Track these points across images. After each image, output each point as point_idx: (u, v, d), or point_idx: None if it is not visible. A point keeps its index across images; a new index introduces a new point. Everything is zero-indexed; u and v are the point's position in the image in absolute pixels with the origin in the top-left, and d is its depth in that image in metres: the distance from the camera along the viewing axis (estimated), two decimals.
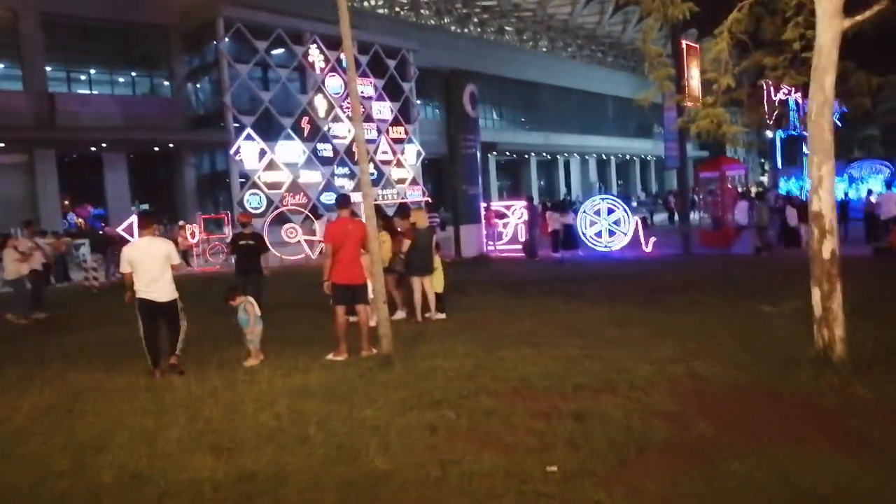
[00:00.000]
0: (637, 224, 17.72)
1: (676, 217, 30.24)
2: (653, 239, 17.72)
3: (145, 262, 6.65)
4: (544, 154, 56.79)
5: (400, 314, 9.11)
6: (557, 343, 6.96)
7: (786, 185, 29.15)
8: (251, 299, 7.12)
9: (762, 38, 7.11)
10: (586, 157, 62.09)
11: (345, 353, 6.80)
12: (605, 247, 18.02)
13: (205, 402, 5.37)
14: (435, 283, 9.10)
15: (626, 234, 17.88)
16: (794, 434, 4.19)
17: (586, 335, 7.34)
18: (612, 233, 18.06)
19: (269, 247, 9.74)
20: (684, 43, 16.77)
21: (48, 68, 30.83)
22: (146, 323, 6.73)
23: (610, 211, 18.08)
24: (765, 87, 20.09)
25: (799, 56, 6.46)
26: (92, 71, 33.29)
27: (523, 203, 18.99)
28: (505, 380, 5.56)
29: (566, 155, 59.43)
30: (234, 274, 11.16)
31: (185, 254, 19.90)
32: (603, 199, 18.38)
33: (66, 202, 33.77)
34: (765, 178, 60.50)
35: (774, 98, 24.12)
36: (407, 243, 8.73)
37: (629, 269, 13.75)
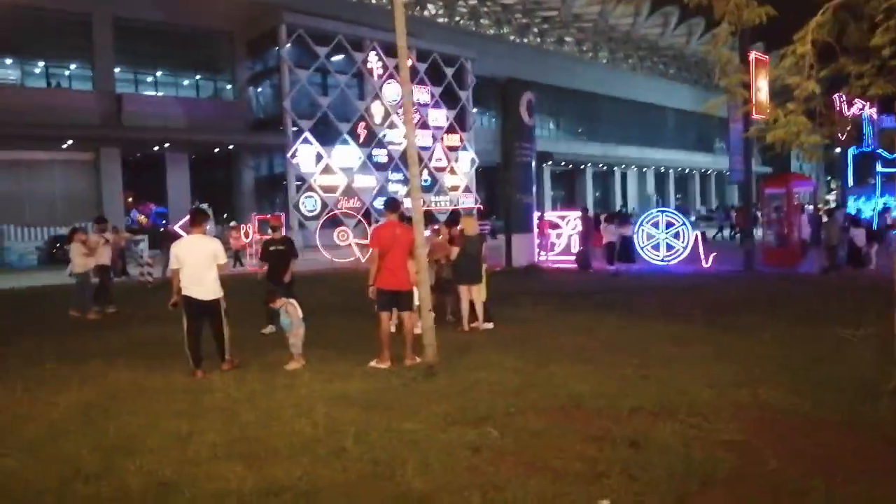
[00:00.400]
0: (697, 238, 17.07)
1: (732, 233, 29.28)
2: (713, 254, 17.03)
3: (192, 260, 6.62)
4: (601, 165, 55.95)
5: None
6: (611, 360, 6.59)
7: (854, 205, 27.75)
8: (293, 302, 6.99)
9: (846, 45, 6.61)
10: (644, 169, 60.94)
11: (388, 361, 6.58)
12: (663, 260, 17.43)
13: (242, 406, 5.23)
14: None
15: (684, 248, 17.26)
16: (871, 472, 3.76)
17: (642, 353, 6.94)
18: (669, 247, 17.47)
19: (298, 253, 9.38)
20: (753, 54, 16.07)
21: (117, 69, 31.93)
22: (189, 321, 6.69)
23: (669, 225, 17.48)
24: (837, 102, 19.14)
25: (887, 64, 5.95)
26: (158, 73, 34.38)
27: (578, 213, 18.53)
28: (554, 397, 5.24)
29: (623, 167, 58.45)
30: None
31: (238, 254, 20.16)
32: (662, 212, 17.78)
33: (130, 199, 34.84)
34: (831, 197, 58.14)
35: (847, 113, 23.00)
36: (455, 250, 8.47)
37: (687, 284, 13.18)
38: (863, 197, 30.88)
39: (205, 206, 34.21)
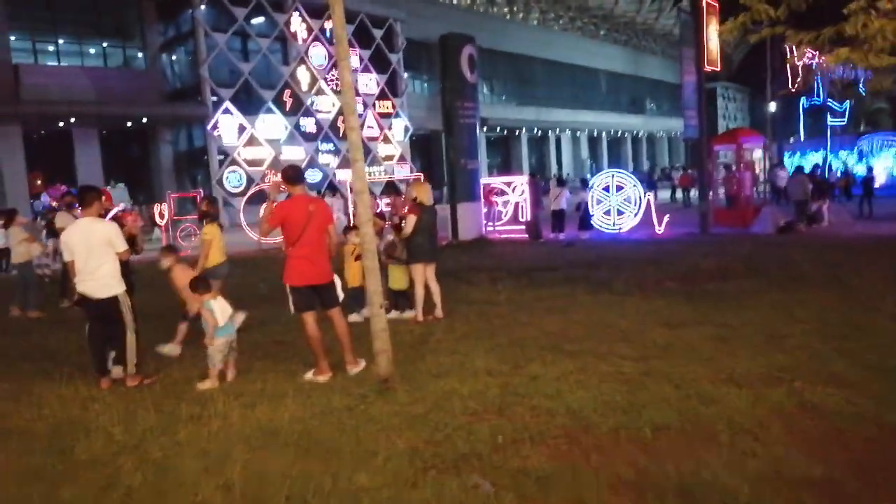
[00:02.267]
0: (649, 202, 16.25)
1: (679, 195, 28.83)
2: (666, 217, 16.27)
3: (82, 248, 5.24)
4: (535, 130, 55.17)
5: (409, 313, 7.55)
6: (599, 351, 5.47)
7: (791, 161, 27.56)
8: (221, 300, 5.55)
9: None
10: (578, 133, 60.56)
11: (327, 371, 5.24)
12: (615, 227, 16.57)
13: (127, 458, 3.80)
14: (397, 278, 7.60)
15: (636, 213, 16.43)
16: None
17: (631, 338, 5.85)
18: (620, 212, 16.61)
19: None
20: (704, 0, 15.15)
21: (12, 38, 28.78)
22: (89, 321, 5.48)
23: (619, 188, 16.60)
24: (788, 51, 18.58)
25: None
26: (60, 41, 31.23)
27: (524, 179, 17.43)
28: (549, 414, 4.05)
29: (557, 131, 57.87)
30: None
31: (134, 240, 18.08)
32: (612, 175, 16.86)
33: (38, 182, 31.89)
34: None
35: (798, 63, 22.59)
36: (411, 222, 7.03)
37: (649, 252, 12.24)
38: (797, 153, 30.96)
39: (120, 185, 32.09)
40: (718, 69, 16.91)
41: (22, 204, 27.67)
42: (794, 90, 23.40)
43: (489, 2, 56.80)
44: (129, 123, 32.10)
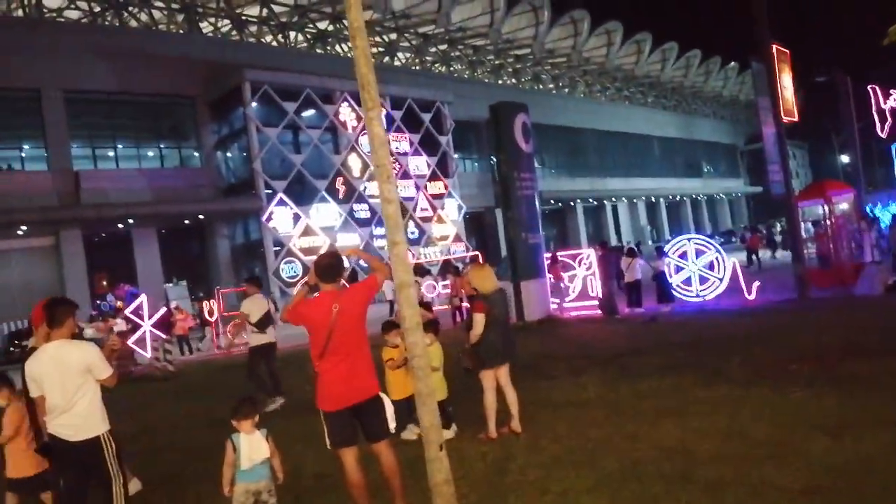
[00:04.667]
0: (735, 267, 14.63)
1: (755, 258, 26.83)
2: (756, 283, 14.59)
3: (54, 380, 4.07)
4: (590, 200, 54.01)
5: (446, 433, 5.85)
6: (748, 479, 3.99)
7: (889, 210, 25.38)
8: (257, 435, 4.13)
9: None
10: (635, 200, 59.09)
11: None
12: (698, 296, 14.96)
13: None
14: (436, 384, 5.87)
15: (721, 279, 14.81)
16: None
17: (783, 455, 4.35)
18: (703, 279, 15.03)
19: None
20: (775, 48, 13.97)
21: (73, 146, 29.70)
22: (62, 476, 4.13)
23: (699, 253, 15.07)
24: (871, 94, 17.11)
25: None
26: (119, 146, 32.15)
27: (591, 251, 16.10)
28: None
29: (613, 199, 56.57)
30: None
31: (182, 338, 17.32)
32: (689, 240, 15.38)
33: (104, 283, 32.19)
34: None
35: (884, 106, 20.96)
36: (479, 322, 5.61)
37: (750, 326, 10.61)
38: (878, 204, 28.68)
39: (182, 283, 32.09)
40: (796, 120, 15.54)
41: (83, 308, 27.81)
42: (884, 135, 21.65)
43: (535, 79, 57.09)
44: (185, 220, 32.45)
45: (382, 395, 4.25)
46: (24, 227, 27.25)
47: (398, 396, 5.95)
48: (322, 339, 4.03)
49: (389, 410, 4.26)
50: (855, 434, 4.63)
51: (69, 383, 4.04)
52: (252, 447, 4.07)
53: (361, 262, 5.76)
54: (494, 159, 15.41)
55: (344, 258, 4.47)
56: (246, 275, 31.78)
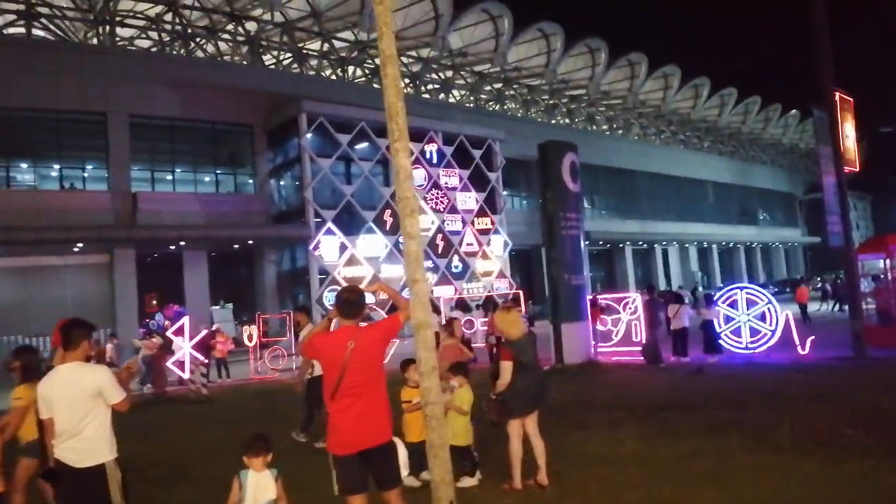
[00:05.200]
0: (788, 319, 13.97)
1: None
2: (810, 338, 13.89)
3: (62, 403, 3.99)
4: (640, 243, 53.11)
5: (469, 480, 5.75)
6: None
7: None
8: (267, 474, 3.95)
9: None
10: (686, 245, 57.84)
11: None
12: (747, 348, 14.32)
13: None
14: (454, 428, 5.66)
15: (773, 331, 14.16)
16: None
17: None
18: (754, 331, 14.39)
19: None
20: (838, 95, 13.49)
21: (133, 168, 30.70)
22: (65, 502, 4.01)
23: (750, 303, 14.47)
24: None
25: None
26: (177, 170, 33.12)
27: (637, 295, 15.64)
28: None
29: (664, 243, 55.48)
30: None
31: (221, 361, 17.41)
32: (741, 289, 14.80)
33: (154, 302, 32.91)
34: None
35: None
36: (507, 370, 5.32)
37: (803, 383, 10.01)
38: None
39: (229, 306, 32.58)
40: (857, 170, 14.94)
41: (131, 325, 28.43)
42: None
43: (589, 119, 56.93)
44: (235, 245, 33.02)
45: (396, 441, 4.04)
46: (80, 245, 28.13)
47: (415, 439, 5.71)
48: (335, 378, 3.85)
49: (402, 457, 4.05)
50: None
51: (78, 407, 3.96)
52: (259, 487, 3.91)
53: (382, 296, 5.74)
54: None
55: (368, 294, 4.30)
56: (292, 304, 32.17)
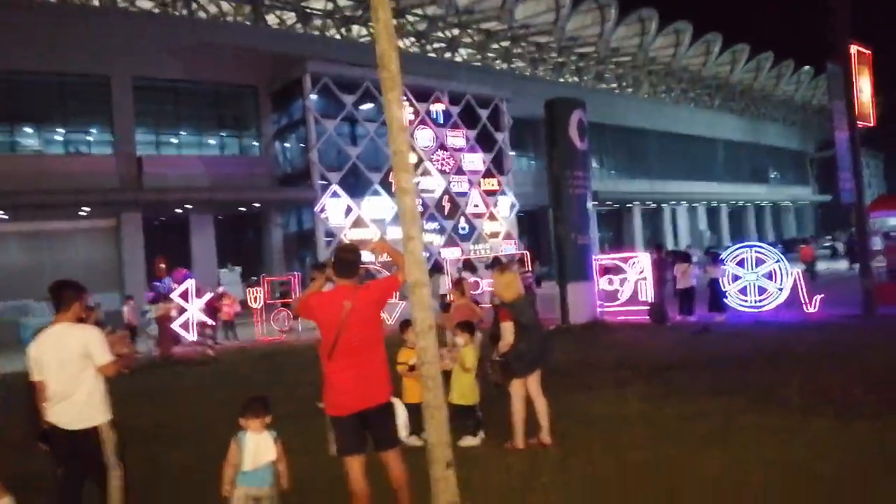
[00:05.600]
0: (798, 277, 13.82)
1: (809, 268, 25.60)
2: (819, 296, 13.75)
3: (52, 365, 3.94)
4: (649, 203, 52.71)
5: (471, 439, 5.73)
6: None
7: None
8: (266, 436, 3.89)
9: None
10: (695, 204, 57.36)
11: None
12: (753, 307, 14.20)
13: None
14: (459, 388, 5.73)
15: (780, 290, 14.02)
16: None
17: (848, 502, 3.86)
18: (761, 289, 14.26)
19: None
20: (854, 48, 13.09)
21: (138, 131, 30.51)
22: (61, 466, 3.97)
23: (759, 262, 14.30)
24: None
25: None
26: (182, 133, 32.96)
27: (645, 255, 15.49)
28: None
29: (673, 203, 55.04)
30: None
31: (228, 324, 17.46)
32: (750, 248, 14.62)
33: (162, 266, 33.01)
34: None
35: None
36: (508, 330, 5.26)
37: (812, 342, 9.91)
38: None
39: (237, 269, 32.63)
40: (872, 125, 14.59)
41: (140, 289, 28.56)
42: None
43: (597, 78, 56.00)
44: (242, 208, 32.99)
45: (395, 401, 3.97)
46: (86, 209, 28.14)
47: (416, 400, 5.67)
48: (331, 338, 3.76)
49: (402, 418, 3.99)
50: None
51: (68, 368, 3.91)
52: (258, 448, 3.84)
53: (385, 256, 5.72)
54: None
55: (368, 253, 4.21)
56: (300, 266, 32.19)
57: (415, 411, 5.75)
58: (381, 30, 3.41)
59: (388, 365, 3.92)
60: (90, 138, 30.59)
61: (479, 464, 4.87)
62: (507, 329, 5.29)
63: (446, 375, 5.34)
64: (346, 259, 3.96)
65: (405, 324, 6.12)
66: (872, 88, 14.74)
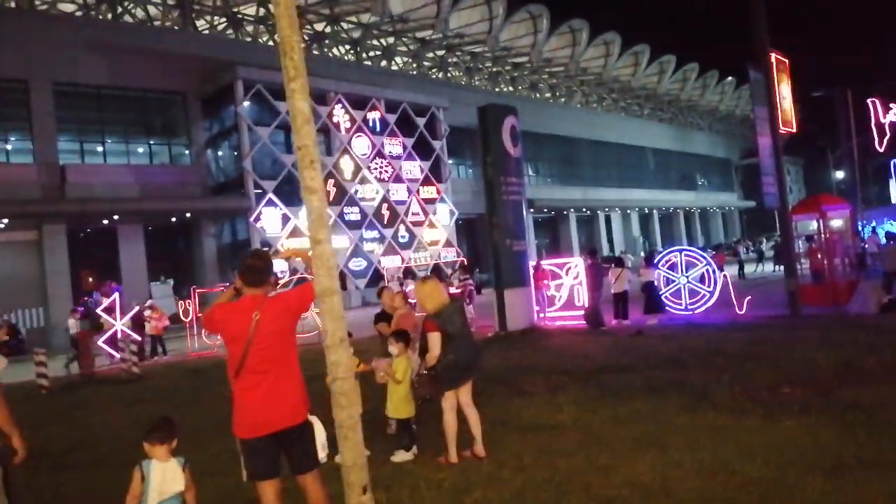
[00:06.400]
0: (727, 280, 14.22)
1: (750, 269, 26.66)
2: (748, 298, 14.18)
3: None
4: (584, 210, 53.73)
5: (404, 454, 5.55)
6: None
7: (885, 228, 25.03)
8: (173, 463, 3.57)
9: None
10: (628, 210, 58.83)
11: None
12: (687, 309, 14.55)
13: None
14: (393, 400, 5.63)
15: (711, 292, 14.41)
16: None
17: (777, 499, 3.87)
18: (693, 292, 14.62)
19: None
20: (773, 56, 13.59)
21: (60, 139, 29.14)
22: None
23: (689, 265, 14.66)
24: (871, 108, 16.77)
25: None
26: (108, 141, 31.64)
27: (580, 260, 15.67)
28: None
29: (607, 210, 56.27)
30: None
31: (156, 339, 16.68)
32: (680, 251, 14.98)
33: (90, 280, 31.58)
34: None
35: (884, 120, 20.59)
36: (434, 341, 5.05)
37: (741, 342, 10.14)
38: (886, 220, 28.34)
39: (170, 281, 31.48)
40: (794, 131, 15.18)
41: (64, 303, 27.22)
42: (882, 150, 21.26)
43: (532, 87, 56.81)
44: (173, 218, 31.90)
45: (313, 419, 3.73)
46: (5, 220, 26.68)
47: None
48: (238, 353, 3.45)
49: (320, 438, 3.77)
50: (857, 476, 4.16)
51: None
52: (165, 478, 3.50)
53: (298, 263, 5.55)
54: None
55: (280, 260, 3.99)
56: (232, 275, 31.31)
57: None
58: (281, 14, 3.24)
59: (303, 382, 3.64)
60: (8, 146, 29.02)
61: (410, 480, 4.70)
62: (433, 340, 5.10)
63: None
64: (255, 266, 3.69)
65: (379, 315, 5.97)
66: (793, 95, 15.35)
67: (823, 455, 4.58)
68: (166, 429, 3.57)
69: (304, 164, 3.23)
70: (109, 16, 35.06)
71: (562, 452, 5.20)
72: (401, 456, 5.45)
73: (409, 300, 7.83)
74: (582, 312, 14.61)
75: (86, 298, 28.52)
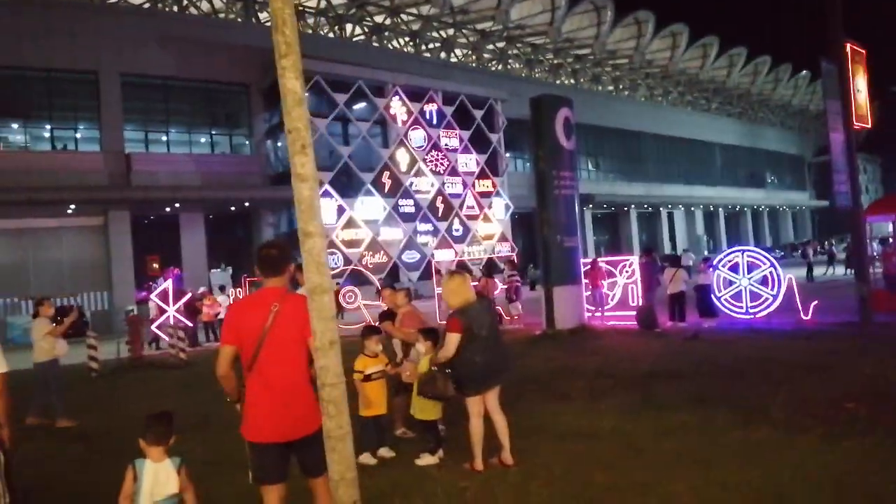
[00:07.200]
0: (792, 283, 13.42)
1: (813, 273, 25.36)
2: (814, 302, 13.35)
3: None
4: (645, 206, 52.35)
5: (429, 458, 5.25)
6: None
7: None
8: (167, 465, 3.41)
9: None
10: (692, 208, 57.02)
11: None
12: (747, 313, 13.80)
13: None
14: (419, 401, 5.28)
15: (774, 296, 13.62)
16: None
17: None
18: (755, 295, 13.86)
19: None
20: (849, 46, 12.70)
21: (126, 129, 30.07)
22: None
23: (751, 267, 13.90)
24: None
25: None
26: (172, 130, 32.48)
27: (636, 258, 15.09)
28: None
29: (670, 207, 54.68)
30: None
31: (209, 325, 17.08)
32: (742, 252, 14.22)
33: (155, 265, 32.55)
34: None
35: None
36: (453, 341, 4.73)
37: (804, 351, 9.45)
38: None
39: (229, 269, 32.17)
40: (868, 126, 14.20)
41: (127, 288, 28.15)
42: None
43: (594, 80, 55.64)
44: (232, 207, 32.55)
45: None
46: (73, 206, 27.69)
47: (374, 412, 5.29)
48: (251, 347, 3.26)
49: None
50: None
51: None
52: (157, 480, 3.33)
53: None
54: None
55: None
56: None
57: (371, 425, 5.37)
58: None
59: (313, 390, 3.37)
60: (78, 135, 30.10)
61: (433, 485, 4.44)
62: (451, 340, 4.77)
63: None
64: (269, 255, 3.50)
65: (370, 330, 5.76)
66: (869, 90, 14.34)
67: (888, 484, 4.08)
68: (162, 428, 3.41)
69: (295, 148, 2.98)
70: (175, 8, 35.90)
71: (597, 464, 4.83)
72: (426, 459, 5.20)
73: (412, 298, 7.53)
74: (635, 313, 14.05)
75: (151, 283, 29.44)
